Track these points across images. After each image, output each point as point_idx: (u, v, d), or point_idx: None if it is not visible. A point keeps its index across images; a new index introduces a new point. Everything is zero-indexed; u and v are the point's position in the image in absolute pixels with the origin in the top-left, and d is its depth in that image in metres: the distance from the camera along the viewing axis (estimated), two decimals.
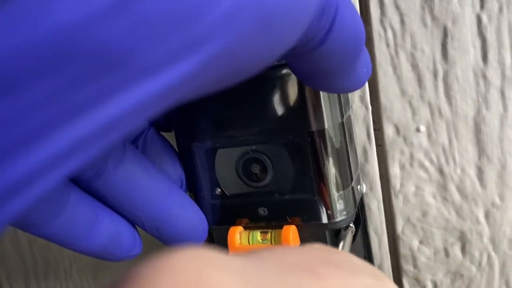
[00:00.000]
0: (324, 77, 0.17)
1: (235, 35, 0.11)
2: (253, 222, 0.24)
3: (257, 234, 0.23)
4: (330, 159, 0.22)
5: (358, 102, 0.26)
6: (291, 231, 0.22)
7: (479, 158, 0.25)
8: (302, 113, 0.22)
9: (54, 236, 0.19)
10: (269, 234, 0.23)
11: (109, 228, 0.21)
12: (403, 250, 0.28)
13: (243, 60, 0.12)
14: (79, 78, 0.09)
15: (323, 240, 0.23)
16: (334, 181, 0.22)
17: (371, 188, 0.27)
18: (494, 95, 0.24)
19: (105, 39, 0.09)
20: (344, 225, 0.23)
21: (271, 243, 0.23)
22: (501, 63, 0.23)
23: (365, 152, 0.27)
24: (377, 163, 0.27)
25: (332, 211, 0.23)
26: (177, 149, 0.25)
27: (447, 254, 0.27)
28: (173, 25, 0.10)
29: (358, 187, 0.26)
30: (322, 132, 0.22)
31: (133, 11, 0.09)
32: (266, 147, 0.23)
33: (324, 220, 0.23)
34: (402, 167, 0.26)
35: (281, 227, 0.23)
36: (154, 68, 0.10)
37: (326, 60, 0.16)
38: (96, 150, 0.10)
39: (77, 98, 0.09)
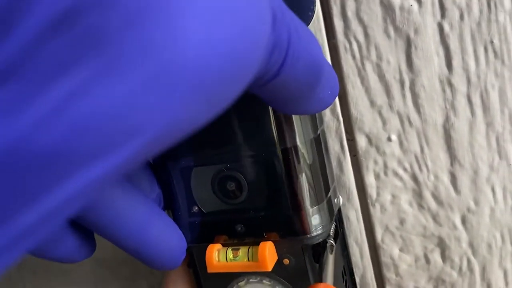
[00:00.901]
0: (286, 103, 0.18)
1: (175, 114, 0.11)
2: (232, 239, 0.24)
3: (230, 252, 0.23)
4: (303, 175, 0.22)
5: (330, 114, 0.26)
6: (267, 248, 0.23)
7: (451, 164, 0.25)
8: (274, 131, 0.22)
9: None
10: (240, 251, 0.23)
11: (75, 243, 0.21)
12: (384, 258, 0.28)
13: (187, 128, 0.12)
14: (20, 177, 0.09)
15: (300, 256, 0.23)
16: (308, 196, 0.23)
17: (348, 198, 0.27)
18: (461, 101, 0.24)
19: (41, 146, 0.09)
20: (321, 239, 0.23)
21: (248, 260, 0.23)
22: (466, 69, 0.23)
23: (340, 163, 0.27)
24: (352, 173, 0.27)
25: (308, 226, 0.23)
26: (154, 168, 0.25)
27: (427, 260, 0.27)
28: (107, 121, 0.10)
29: (335, 200, 0.26)
30: (293, 149, 0.22)
31: (68, 116, 0.09)
32: (241, 165, 0.23)
33: (300, 235, 0.23)
34: (377, 176, 0.26)
35: (258, 243, 0.23)
36: (89, 161, 0.10)
37: (283, 90, 0.16)
38: (42, 235, 0.10)
39: (18, 193, 0.09)
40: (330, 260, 0.23)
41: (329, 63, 0.21)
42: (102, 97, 0.09)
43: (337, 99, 0.26)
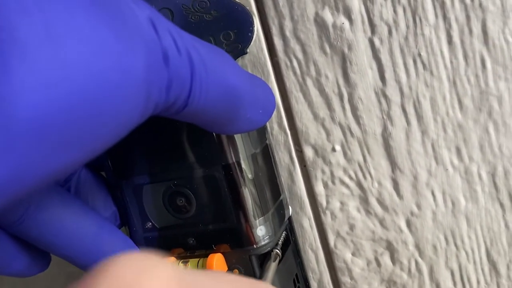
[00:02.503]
0: (211, 126, 0.19)
1: (17, 164, 0.12)
2: (186, 252, 0.26)
3: (180, 265, 0.24)
4: (246, 189, 0.23)
5: (277, 128, 0.27)
6: (214, 260, 0.24)
7: (393, 171, 0.26)
8: (215, 148, 0.23)
9: None
10: (190, 263, 0.24)
11: (27, 261, 0.22)
12: (338, 263, 0.29)
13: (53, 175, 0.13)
14: None
15: (248, 266, 0.24)
16: (252, 209, 0.24)
17: (301, 207, 0.28)
18: (397, 111, 0.25)
19: None
20: (268, 249, 0.25)
21: None
22: (398, 81, 0.25)
23: (290, 174, 0.28)
24: (303, 183, 0.28)
25: (253, 237, 0.24)
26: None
27: (378, 263, 0.28)
28: None
29: (285, 210, 0.27)
30: (235, 164, 0.23)
31: None
32: (188, 181, 0.24)
33: (247, 246, 0.24)
34: (326, 185, 0.28)
35: (208, 255, 0.24)
36: None
37: (201, 116, 0.17)
38: None
39: None
40: (272, 267, 0.24)
41: (261, 83, 0.22)
42: None
43: (283, 113, 0.27)
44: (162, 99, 0.15)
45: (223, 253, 0.24)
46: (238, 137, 0.23)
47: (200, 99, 0.16)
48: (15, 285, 0.38)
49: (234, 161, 0.23)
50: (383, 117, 0.25)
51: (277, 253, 0.25)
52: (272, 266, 0.24)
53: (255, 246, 0.24)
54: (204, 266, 0.24)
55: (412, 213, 0.27)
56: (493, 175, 0.25)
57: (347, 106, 0.26)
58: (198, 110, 0.16)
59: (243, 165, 0.23)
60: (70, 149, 0.13)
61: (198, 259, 0.24)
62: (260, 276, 0.24)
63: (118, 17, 0.13)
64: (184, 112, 0.16)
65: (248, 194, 0.24)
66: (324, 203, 0.28)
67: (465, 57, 0.23)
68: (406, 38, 0.24)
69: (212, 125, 0.19)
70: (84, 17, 0.12)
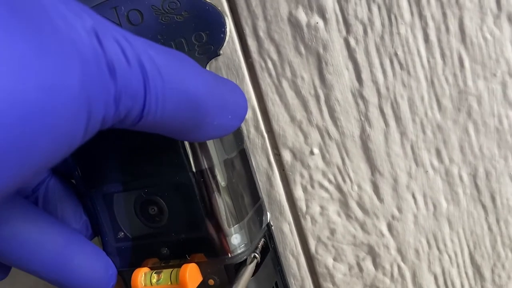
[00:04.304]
0: (177, 134, 0.18)
1: None
2: (161, 262, 0.25)
3: (154, 275, 0.23)
4: (219, 196, 0.23)
5: (254, 131, 0.26)
6: (188, 270, 0.23)
7: (372, 173, 0.25)
8: (185, 154, 0.22)
9: None
10: (163, 274, 0.23)
11: None
12: (320, 269, 0.28)
13: None
14: None
15: (224, 275, 0.23)
16: (226, 216, 0.23)
17: (280, 212, 0.28)
18: (374, 113, 0.24)
19: None
20: (244, 258, 0.24)
21: (171, 283, 0.23)
22: (375, 82, 0.24)
23: (269, 178, 0.27)
24: (282, 188, 0.27)
25: (228, 246, 0.23)
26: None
27: (360, 268, 0.28)
28: None
29: (262, 217, 0.26)
30: (206, 171, 0.22)
31: None
32: (158, 189, 0.23)
33: (222, 255, 0.23)
34: (305, 189, 0.27)
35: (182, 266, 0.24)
36: None
37: (162, 126, 0.16)
38: None
39: None
40: (248, 270, 0.23)
41: (230, 86, 0.21)
42: None
43: (259, 116, 0.26)
44: (111, 113, 0.14)
45: (198, 263, 0.24)
46: (210, 143, 0.22)
47: (157, 110, 0.15)
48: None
49: (206, 167, 0.22)
50: (361, 119, 0.25)
51: (254, 256, 0.24)
52: (248, 269, 0.23)
53: (230, 255, 0.23)
54: (177, 277, 0.23)
55: (393, 217, 0.26)
56: (474, 177, 0.24)
57: (324, 108, 0.25)
58: (156, 121, 0.15)
59: (216, 171, 0.23)
60: (2, 171, 0.12)
61: (171, 269, 0.23)
62: (232, 284, 0.23)
63: (43, 30, 0.12)
64: (140, 124, 0.15)
65: (221, 202, 0.23)
66: (304, 208, 0.27)
67: (443, 56, 0.23)
68: (382, 37, 0.23)
69: (176, 134, 0.18)
70: None
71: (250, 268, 0.24)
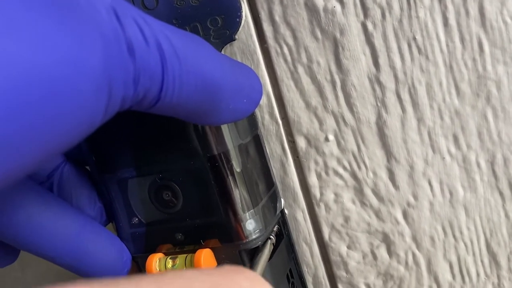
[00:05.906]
0: (192, 118, 0.18)
1: None
2: (174, 248, 0.25)
3: (169, 261, 0.23)
4: (233, 181, 0.22)
5: (268, 118, 0.26)
6: (202, 255, 0.23)
7: (388, 160, 0.25)
8: (200, 139, 0.22)
9: None
10: (178, 259, 0.23)
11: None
12: (334, 256, 0.28)
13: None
14: None
15: (238, 261, 0.23)
16: (240, 202, 0.23)
17: (294, 199, 0.27)
18: (391, 98, 0.24)
19: None
20: (259, 243, 0.24)
21: (185, 268, 0.23)
22: (392, 67, 0.24)
23: (283, 165, 0.27)
24: (296, 175, 0.27)
25: (242, 231, 0.23)
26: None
27: (374, 256, 0.27)
28: None
29: (276, 203, 0.26)
30: (221, 155, 0.22)
31: None
32: (173, 174, 0.23)
33: (236, 241, 0.23)
34: (319, 176, 0.27)
35: (196, 251, 0.23)
36: None
37: (178, 109, 0.16)
38: None
39: None
40: (265, 253, 0.23)
41: (245, 70, 0.21)
42: None
43: (274, 102, 0.26)
44: (130, 93, 0.14)
45: (212, 248, 0.23)
46: (224, 127, 0.22)
47: (174, 92, 0.15)
48: (5, 284, 0.38)
49: (220, 152, 0.22)
50: (377, 105, 0.24)
51: (270, 239, 0.24)
52: (265, 252, 0.23)
53: (244, 240, 0.23)
54: (192, 262, 0.23)
55: (408, 204, 0.26)
56: (492, 163, 0.24)
57: (340, 94, 0.25)
58: (173, 103, 0.15)
59: (230, 156, 0.22)
60: (21, 152, 0.11)
61: (186, 255, 0.23)
62: (251, 267, 0.23)
63: (65, 8, 0.12)
64: (158, 106, 0.15)
65: (236, 187, 0.23)
66: (318, 195, 0.27)
67: (462, 40, 0.22)
68: (400, 21, 0.23)
69: (192, 117, 0.18)
70: (20, 11, 0.11)
71: (267, 250, 0.24)
